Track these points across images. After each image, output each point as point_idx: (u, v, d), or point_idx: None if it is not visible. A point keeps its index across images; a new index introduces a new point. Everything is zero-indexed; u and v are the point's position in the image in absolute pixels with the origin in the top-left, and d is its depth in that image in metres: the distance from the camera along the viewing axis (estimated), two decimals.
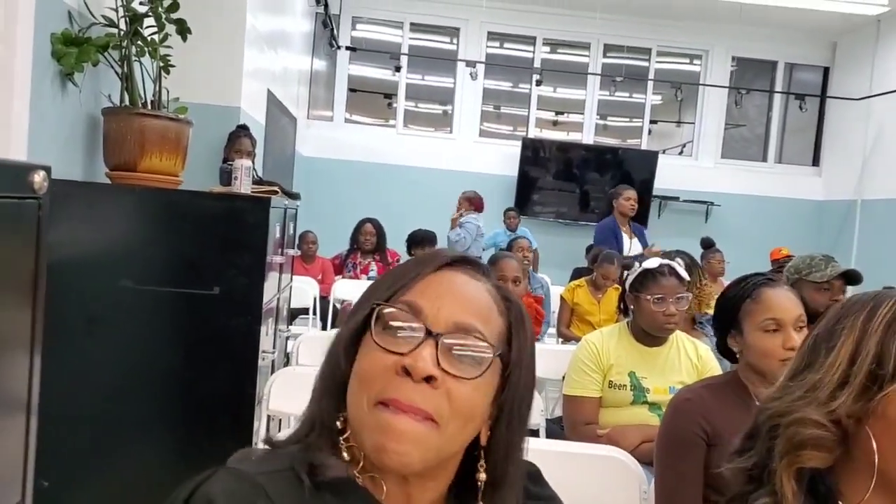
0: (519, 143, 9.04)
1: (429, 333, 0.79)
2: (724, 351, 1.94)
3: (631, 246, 5.35)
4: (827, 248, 7.51)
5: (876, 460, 0.86)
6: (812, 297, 2.86)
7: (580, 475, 1.86)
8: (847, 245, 8.61)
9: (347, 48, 8.77)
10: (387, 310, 0.80)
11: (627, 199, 5.44)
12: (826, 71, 9.52)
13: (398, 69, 8.83)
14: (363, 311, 0.82)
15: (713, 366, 2.51)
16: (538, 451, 1.91)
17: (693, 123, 9.59)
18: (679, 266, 2.54)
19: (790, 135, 9.81)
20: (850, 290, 2.93)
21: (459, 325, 0.80)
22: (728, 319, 1.87)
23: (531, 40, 9.36)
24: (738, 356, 1.87)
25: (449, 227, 7.03)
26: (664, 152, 9.48)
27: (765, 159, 9.67)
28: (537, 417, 2.55)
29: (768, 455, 0.91)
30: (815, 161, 9.65)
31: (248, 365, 2.17)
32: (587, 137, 9.49)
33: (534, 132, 9.49)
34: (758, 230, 8.67)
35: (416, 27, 9.27)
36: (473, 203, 7.22)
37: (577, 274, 5.72)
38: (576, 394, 2.52)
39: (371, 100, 9.65)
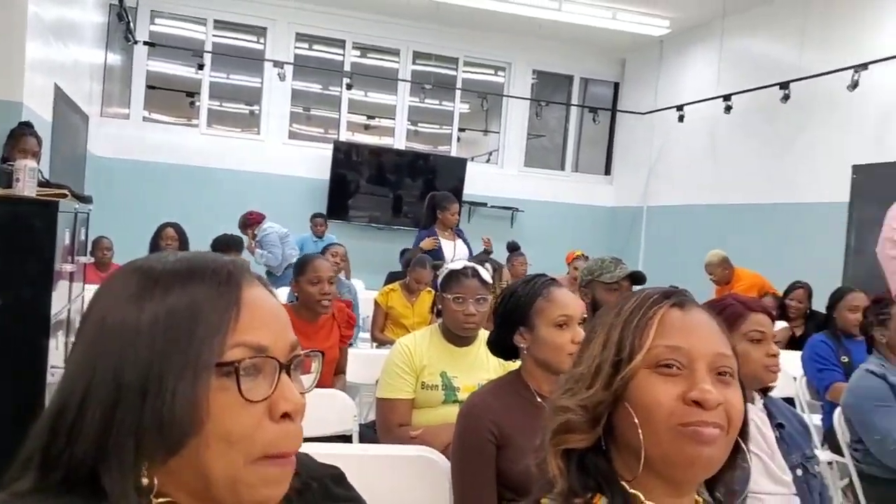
0: (330, 147, 8.99)
1: (282, 366, 0.75)
2: (500, 349, 2.03)
3: (455, 251, 5.47)
4: (618, 250, 8.12)
5: (641, 436, 0.94)
6: (603, 297, 3.09)
7: (392, 476, 1.88)
8: (635, 247, 9.35)
9: (146, 43, 8.29)
10: (246, 363, 0.72)
11: (453, 213, 5.63)
12: (616, 86, 10.29)
13: (201, 67, 8.48)
14: (194, 372, 0.70)
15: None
16: (350, 455, 1.92)
17: (498, 133, 10.01)
18: (484, 269, 2.64)
19: (585, 145, 10.51)
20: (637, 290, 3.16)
21: (293, 345, 0.78)
22: (518, 317, 1.95)
23: (341, 43, 9.34)
24: (523, 353, 1.95)
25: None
26: (472, 159, 9.81)
27: (563, 168, 10.28)
28: (349, 423, 2.55)
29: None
30: (608, 170, 10.40)
31: (35, 381, 2.00)
32: (399, 143, 9.61)
33: (345, 136, 9.48)
34: (557, 234, 9.18)
35: (220, 24, 8.94)
36: (252, 221, 7.05)
37: (392, 278, 5.77)
38: (389, 396, 2.53)
39: (172, 98, 9.19)
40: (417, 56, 9.57)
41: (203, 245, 5.66)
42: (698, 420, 0.93)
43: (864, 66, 6.07)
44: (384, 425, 2.54)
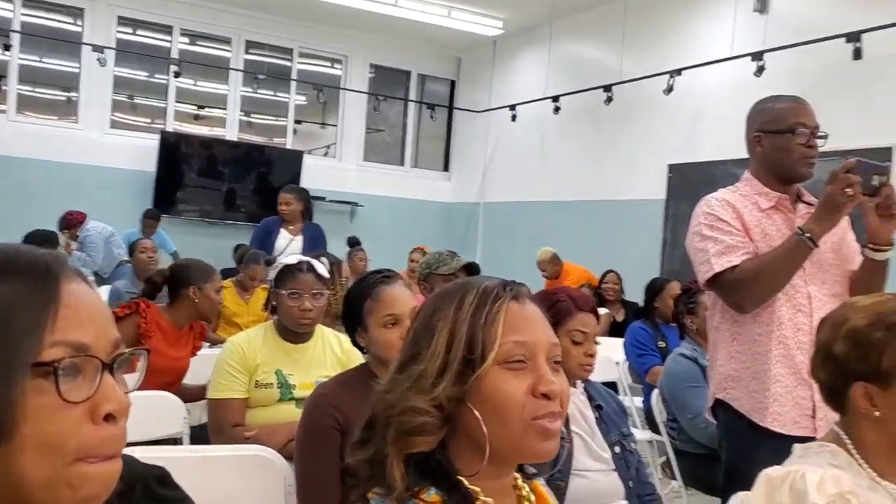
0: (157, 137, 8.52)
1: (104, 365, 0.70)
2: (359, 345, 2.03)
3: (289, 244, 5.24)
4: (456, 245, 8.26)
5: (486, 432, 0.94)
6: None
7: (227, 478, 1.82)
8: (473, 242, 9.58)
9: None
10: (65, 363, 0.67)
11: (280, 203, 5.32)
12: (453, 84, 10.47)
13: (7, 47, 7.75)
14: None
15: (357, 357, 2.58)
16: (180, 458, 1.83)
17: (336, 126, 9.91)
18: (320, 264, 2.59)
19: (424, 141, 10.63)
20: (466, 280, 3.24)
21: (116, 342, 0.73)
22: (354, 317, 1.97)
23: (168, 29, 8.87)
24: (365, 350, 1.98)
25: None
26: (310, 153, 9.65)
27: (402, 163, 10.34)
28: (180, 425, 2.42)
29: (385, 444, 0.96)
30: (446, 166, 10.57)
31: None
32: (231, 134, 9.28)
33: (173, 126, 9.02)
34: (398, 230, 9.23)
35: (30, 2, 8.23)
36: (73, 222, 6.59)
37: (224, 275, 5.55)
38: (221, 396, 2.43)
39: None
40: (251, 45, 9.28)
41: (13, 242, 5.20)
42: (548, 412, 0.96)
43: (678, 71, 6.53)
44: (216, 426, 2.44)
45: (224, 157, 8.98)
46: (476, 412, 0.95)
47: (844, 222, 2.11)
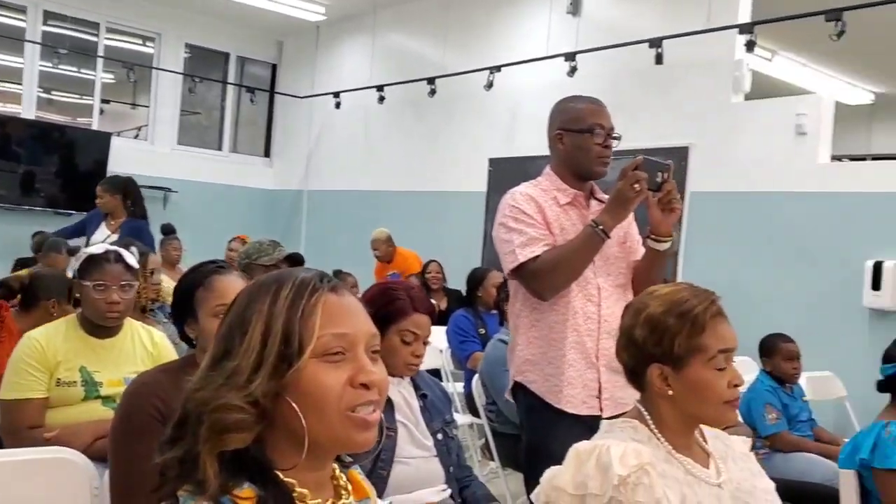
0: None
1: None
2: (187, 337, 1.95)
3: (106, 240, 4.85)
4: (279, 234, 8.07)
5: (305, 425, 0.93)
6: None
7: (24, 483, 1.70)
8: (297, 231, 9.41)
9: None
10: None
11: (96, 195, 5.02)
12: (274, 68, 10.20)
13: None
14: None
15: (169, 352, 2.48)
16: None
17: (148, 107, 9.35)
18: (129, 253, 2.44)
19: (244, 126, 10.28)
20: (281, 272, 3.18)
21: None
22: (184, 308, 1.88)
23: None
24: (195, 342, 1.90)
25: None
26: (119, 134, 9.03)
27: (220, 148, 9.95)
28: None
29: (197, 442, 0.93)
30: (267, 152, 10.29)
31: None
32: (28, 111, 8.50)
33: None
34: (215, 217, 8.87)
35: None
36: None
37: (20, 265, 5.10)
38: (15, 397, 2.23)
39: None
40: (49, 16, 8.53)
41: None
42: (366, 401, 0.97)
43: (497, 68, 6.75)
44: (10, 429, 2.24)
45: (20, 137, 8.20)
46: (294, 406, 0.93)
47: (629, 217, 2.28)
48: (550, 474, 1.39)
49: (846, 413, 4.19)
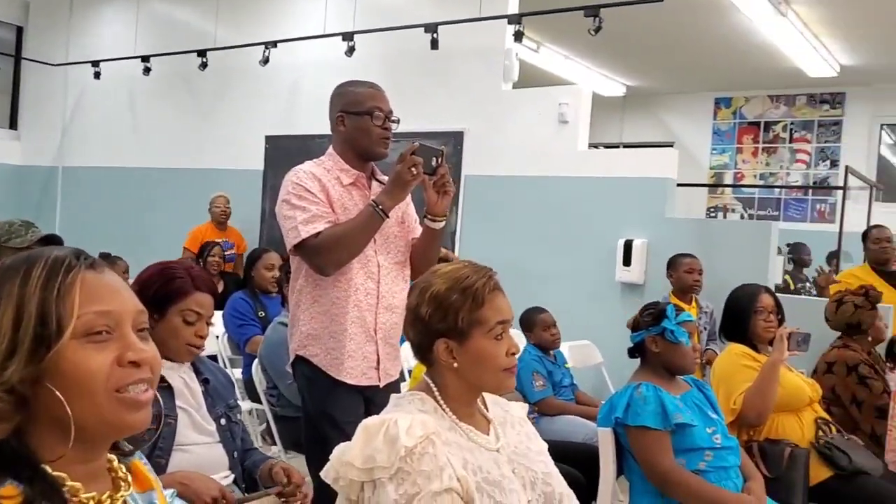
0: None
1: None
2: None
3: None
4: (30, 214, 7.29)
5: (70, 411, 0.88)
6: None
7: None
8: (51, 210, 8.57)
9: None
10: None
11: None
12: (20, 30, 9.18)
13: None
14: None
15: None
16: None
17: None
18: None
19: None
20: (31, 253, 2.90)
21: None
22: None
23: None
24: None
25: None
26: None
27: None
28: None
29: None
30: (13, 124, 9.26)
31: None
32: None
33: None
34: None
35: None
36: None
37: None
38: None
39: None
40: None
41: None
42: (137, 379, 0.92)
43: (274, 43, 6.57)
44: None
45: None
46: (57, 392, 0.87)
47: (406, 198, 2.41)
48: (339, 451, 1.39)
49: (603, 378, 4.61)
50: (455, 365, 1.49)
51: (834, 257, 6.59)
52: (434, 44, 5.71)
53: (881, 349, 3.86)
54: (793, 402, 2.96)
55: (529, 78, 6.66)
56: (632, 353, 2.67)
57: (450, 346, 1.48)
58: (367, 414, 2.30)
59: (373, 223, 2.26)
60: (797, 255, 7.62)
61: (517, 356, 1.53)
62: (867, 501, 2.81)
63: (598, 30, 5.03)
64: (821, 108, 9.53)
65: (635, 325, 2.64)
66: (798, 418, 2.96)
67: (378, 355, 2.35)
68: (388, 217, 2.27)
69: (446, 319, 1.48)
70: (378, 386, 2.38)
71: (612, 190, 5.37)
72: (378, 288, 2.34)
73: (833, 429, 3.00)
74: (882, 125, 9.32)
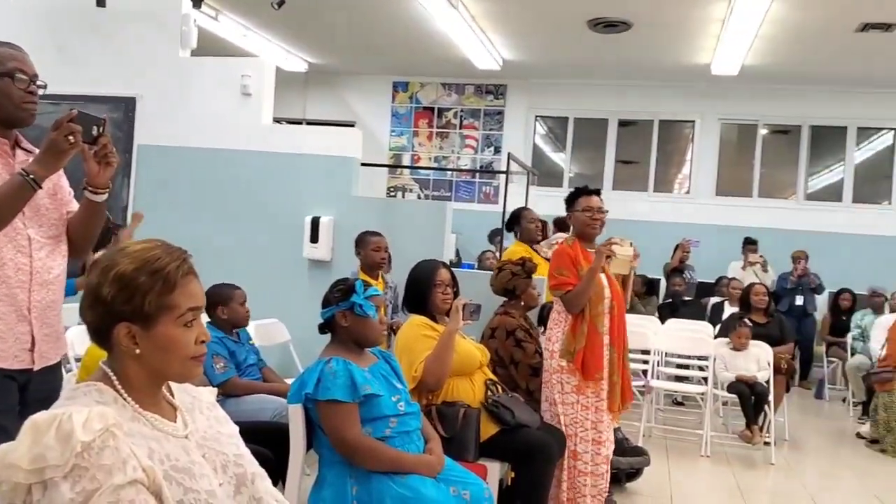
0: None
1: None
2: None
3: None
4: None
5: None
6: None
7: None
8: None
9: None
10: None
11: None
12: None
13: None
14: None
15: None
16: None
17: None
18: None
19: None
20: None
21: None
22: None
23: None
24: None
25: None
26: None
27: None
28: None
29: None
30: None
31: None
32: None
33: None
34: None
35: None
36: None
37: None
38: None
39: None
40: None
41: None
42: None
43: None
44: None
45: None
46: None
47: (59, 169, 2.23)
48: (2, 452, 1.22)
49: (291, 355, 4.61)
50: (137, 351, 1.38)
51: (498, 235, 7.29)
52: (100, 1, 5.21)
53: (534, 315, 4.37)
54: (466, 367, 3.23)
55: (209, 47, 6.38)
56: (322, 328, 2.71)
57: (132, 332, 1.38)
58: (22, 402, 2.09)
59: (22, 193, 2.06)
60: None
61: (206, 343, 1.47)
62: (527, 450, 3.17)
63: (280, 4, 4.97)
64: (486, 99, 10.43)
65: (325, 302, 2.68)
66: (470, 381, 3.23)
67: (33, 336, 2.17)
68: (40, 187, 2.08)
69: (131, 302, 1.37)
70: (32, 370, 2.17)
71: (298, 167, 5.37)
72: (31, 263, 2.17)
73: (499, 388, 3.32)
74: (536, 117, 10.47)
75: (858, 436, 6.21)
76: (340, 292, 2.65)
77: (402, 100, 10.65)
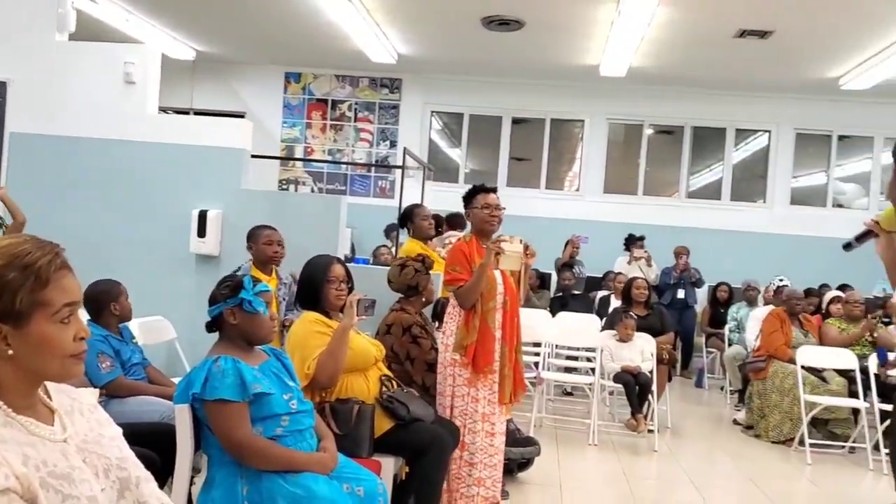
0: None
1: None
2: None
3: None
4: None
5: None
6: None
7: None
8: None
9: None
10: None
11: None
12: None
13: None
14: None
15: None
16: None
17: None
18: None
19: None
20: None
21: None
22: None
23: None
24: None
25: None
26: None
27: None
28: None
29: None
30: None
31: None
32: None
33: None
34: None
35: None
36: None
37: None
38: None
39: None
40: None
41: None
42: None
43: None
44: None
45: None
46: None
47: None
48: None
49: (177, 353, 4.46)
50: (10, 353, 1.30)
51: (394, 230, 7.27)
52: None
53: (428, 311, 4.39)
54: (360, 363, 3.20)
55: (89, 31, 6.07)
56: (209, 327, 2.63)
57: (3, 332, 1.29)
58: None
59: None
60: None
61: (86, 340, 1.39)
62: (421, 444, 3.18)
63: None
64: (381, 92, 10.39)
65: (213, 299, 2.60)
66: (365, 377, 3.21)
67: None
68: None
69: (1, 300, 1.28)
70: None
71: (185, 158, 5.19)
72: None
73: (394, 384, 3.32)
74: (432, 112, 10.51)
75: (735, 422, 6.56)
76: (228, 288, 2.57)
77: (294, 91, 10.47)
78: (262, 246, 4.53)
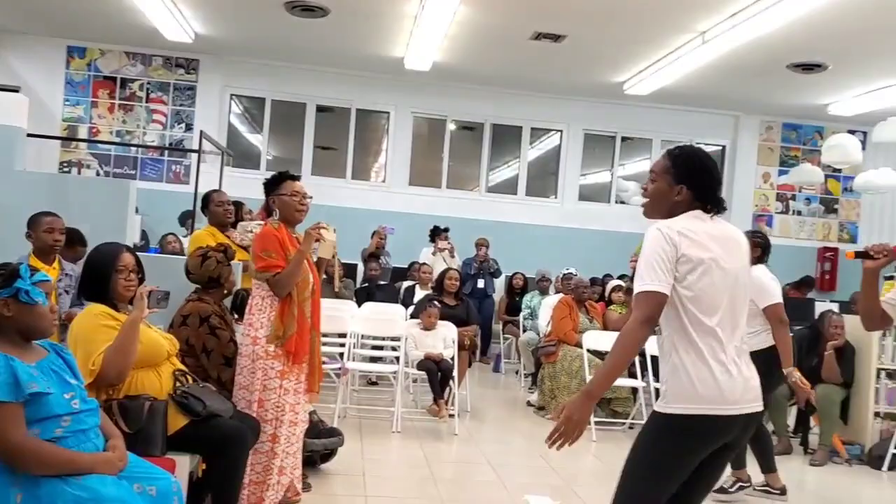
0: None
1: None
2: None
3: None
4: None
5: None
6: None
7: None
8: None
9: None
10: None
11: None
12: None
13: None
14: None
15: None
16: None
17: None
18: None
19: None
20: None
21: None
22: None
23: None
24: None
25: None
26: None
27: None
28: None
29: None
30: None
31: None
32: None
33: None
34: None
35: None
36: None
37: None
38: None
39: None
40: None
41: None
42: None
43: None
44: None
45: None
46: None
47: None
48: None
49: None
50: None
51: (189, 217, 6.93)
52: None
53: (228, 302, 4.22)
54: (152, 358, 3.02)
55: None
56: None
57: None
58: None
59: None
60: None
61: None
62: (220, 440, 3.05)
63: None
64: (177, 72, 9.85)
65: None
66: (157, 373, 3.03)
67: None
68: None
69: None
70: None
71: None
72: None
73: (189, 378, 3.16)
74: (232, 95, 10.12)
75: (528, 404, 6.92)
76: (2, 277, 2.32)
77: (78, 66, 9.66)
78: (43, 233, 4.15)
